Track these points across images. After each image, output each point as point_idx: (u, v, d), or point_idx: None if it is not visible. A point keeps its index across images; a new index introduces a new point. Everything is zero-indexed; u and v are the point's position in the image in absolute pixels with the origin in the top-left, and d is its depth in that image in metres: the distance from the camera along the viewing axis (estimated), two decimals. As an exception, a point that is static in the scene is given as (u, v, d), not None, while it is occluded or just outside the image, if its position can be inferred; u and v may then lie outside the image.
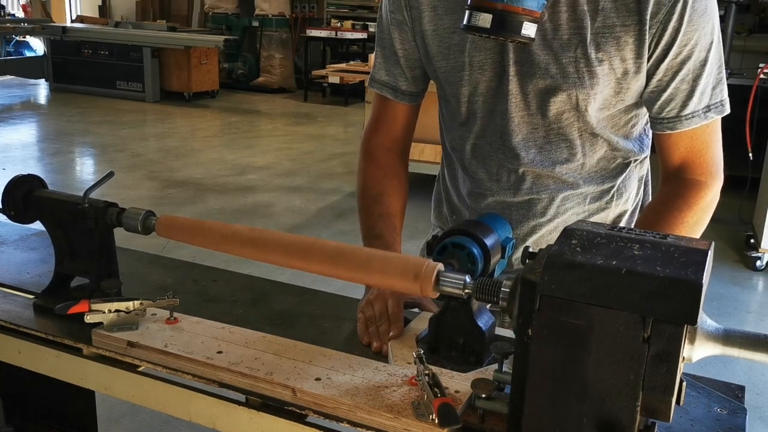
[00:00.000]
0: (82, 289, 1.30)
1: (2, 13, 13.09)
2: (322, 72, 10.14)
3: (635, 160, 1.39)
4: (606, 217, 1.40)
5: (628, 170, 1.39)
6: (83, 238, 1.27)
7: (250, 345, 1.16)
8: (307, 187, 6.14)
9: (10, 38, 12.40)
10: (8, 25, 12.03)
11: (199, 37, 10.43)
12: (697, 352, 0.83)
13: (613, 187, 1.38)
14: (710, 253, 0.82)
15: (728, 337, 0.83)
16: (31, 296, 1.35)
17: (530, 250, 0.96)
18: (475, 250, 1.10)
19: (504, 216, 1.34)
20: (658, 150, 1.32)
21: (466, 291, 0.96)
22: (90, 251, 1.27)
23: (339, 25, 11.15)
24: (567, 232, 0.88)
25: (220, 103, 10.49)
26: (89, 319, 1.16)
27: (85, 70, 10.47)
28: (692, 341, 0.83)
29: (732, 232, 5.16)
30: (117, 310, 1.18)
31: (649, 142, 1.42)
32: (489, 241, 1.12)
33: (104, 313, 1.17)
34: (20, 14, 14.73)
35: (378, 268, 1.01)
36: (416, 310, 1.32)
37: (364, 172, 1.48)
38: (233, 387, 1.08)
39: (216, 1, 11.84)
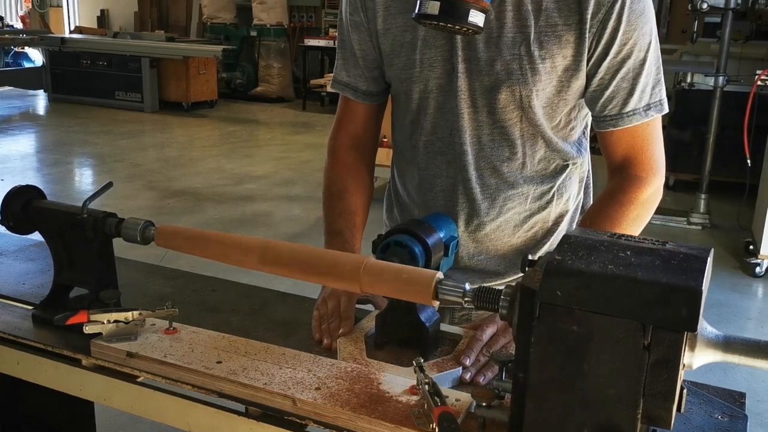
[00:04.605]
0: (81, 300, 1.30)
1: (1, 24, 13.11)
2: (321, 81, 10.16)
3: (574, 163, 1.43)
4: (547, 216, 1.44)
5: (567, 171, 1.43)
6: (82, 248, 1.26)
7: (249, 355, 1.15)
8: (306, 196, 6.14)
9: (8, 49, 12.42)
10: (7, 36, 12.05)
11: (197, 47, 10.44)
12: (697, 359, 0.83)
13: (553, 187, 1.42)
14: (709, 260, 0.82)
15: (728, 344, 0.83)
16: (30, 307, 1.35)
17: (530, 257, 0.95)
18: (416, 249, 1.15)
19: (451, 214, 1.39)
20: (602, 148, 1.37)
21: (466, 299, 0.96)
22: (89, 262, 1.27)
23: (337, 34, 11.17)
24: (566, 240, 0.88)
25: (218, 112, 10.50)
26: (88, 329, 1.16)
27: (83, 81, 10.48)
28: (692, 348, 0.82)
29: (731, 238, 5.16)
30: (116, 321, 1.18)
31: (587, 145, 1.47)
32: (431, 240, 1.17)
33: (103, 323, 1.17)
34: (19, 25, 14.76)
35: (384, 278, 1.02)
36: (370, 307, 1.36)
37: (327, 170, 1.53)
38: (233, 397, 1.07)
39: (214, 11, 11.86)
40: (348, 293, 1.28)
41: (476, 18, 1.14)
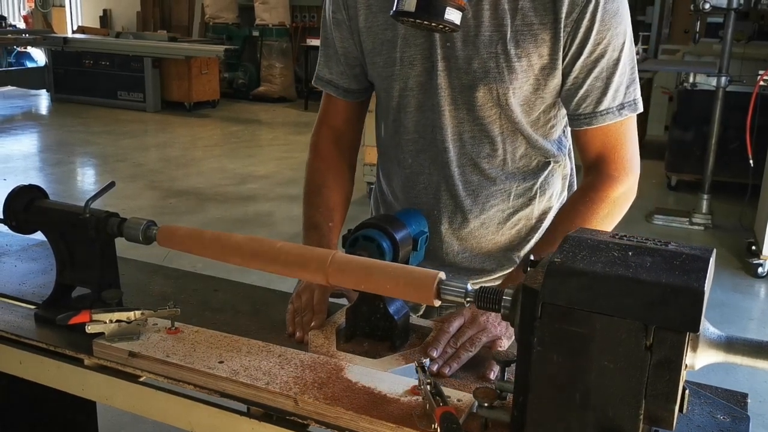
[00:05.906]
0: (84, 300, 1.30)
1: (3, 24, 13.12)
2: (323, 81, 10.15)
3: (556, 161, 1.45)
4: (531, 213, 1.46)
5: (549, 169, 1.44)
6: (84, 248, 1.27)
7: (251, 354, 1.15)
8: (307, 196, 6.14)
9: (11, 49, 12.43)
10: (9, 36, 12.06)
11: (199, 47, 10.44)
12: (699, 360, 0.83)
13: (535, 184, 1.44)
14: (712, 261, 0.82)
15: (731, 345, 0.83)
16: (33, 307, 1.35)
17: (531, 258, 0.95)
18: (384, 243, 1.17)
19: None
20: (577, 147, 1.39)
21: (468, 299, 0.96)
22: (91, 261, 1.27)
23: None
24: (568, 240, 0.88)
25: (220, 112, 10.51)
26: (90, 329, 1.16)
27: (86, 81, 10.48)
28: (695, 349, 0.82)
29: (733, 239, 5.15)
30: (118, 321, 1.18)
31: (567, 143, 1.48)
32: (399, 235, 1.20)
33: (105, 323, 1.17)
34: (21, 25, 14.78)
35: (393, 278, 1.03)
36: (344, 301, 1.37)
37: (308, 165, 1.54)
38: (235, 397, 1.08)
39: (216, 11, 11.86)
40: (322, 287, 1.29)
41: (452, 15, 1.15)
